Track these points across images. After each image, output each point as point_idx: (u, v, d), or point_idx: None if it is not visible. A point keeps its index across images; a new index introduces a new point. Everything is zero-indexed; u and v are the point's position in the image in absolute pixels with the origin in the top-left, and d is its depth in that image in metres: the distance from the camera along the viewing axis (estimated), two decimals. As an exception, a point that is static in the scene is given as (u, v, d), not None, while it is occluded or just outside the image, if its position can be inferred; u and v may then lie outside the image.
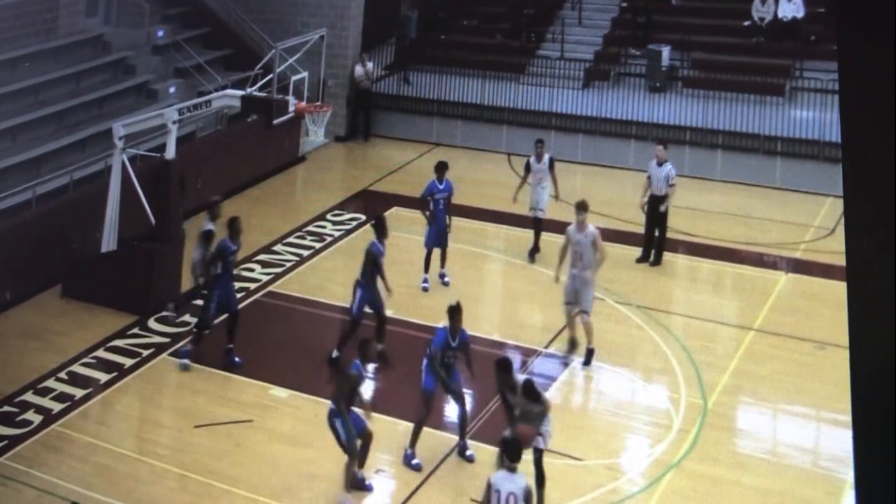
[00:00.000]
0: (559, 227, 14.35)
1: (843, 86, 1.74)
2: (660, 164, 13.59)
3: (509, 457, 7.62)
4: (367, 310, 11.28)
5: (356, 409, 9.03)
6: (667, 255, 13.97)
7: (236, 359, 11.37)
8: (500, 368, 8.95)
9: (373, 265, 11.27)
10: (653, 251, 13.81)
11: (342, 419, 8.83)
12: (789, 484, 9.26)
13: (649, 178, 13.66)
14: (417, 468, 9.53)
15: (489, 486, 7.54)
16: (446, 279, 13.28)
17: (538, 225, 13.89)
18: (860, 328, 1.72)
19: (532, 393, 8.74)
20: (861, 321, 1.72)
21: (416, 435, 9.62)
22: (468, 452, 9.72)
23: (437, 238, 13.05)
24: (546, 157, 13.95)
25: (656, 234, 13.76)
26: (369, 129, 19.37)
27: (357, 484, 9.14)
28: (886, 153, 1.61)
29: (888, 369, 1.65)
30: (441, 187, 13.09)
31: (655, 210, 13.59)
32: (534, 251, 13.94)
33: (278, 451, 9.90)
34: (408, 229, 15.16)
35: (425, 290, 13.02)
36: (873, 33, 1.62)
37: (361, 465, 9.13)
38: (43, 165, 14.62)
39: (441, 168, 13.15)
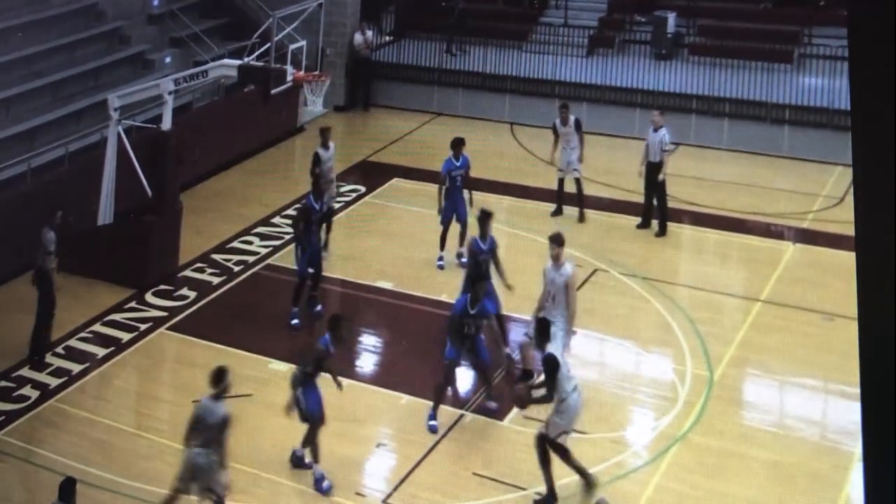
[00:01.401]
0: (547, 195, 14.28)
1: (853, 52, 1.65)
2: (655, 129, 13.53)
3: (212, 381, 8.19)
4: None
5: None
6: (672, 226, 13.79)
7: (318, 307, 11.61)
8: (536, 330, 8.87)
9: (475, 262, 10.63)
10: (657, 221, 13.66)
11: (304, 389, 8.83)
12: (796, 457, 9.15)
13: (647, 145, 13.58)
14: (432, 430, 9.57)
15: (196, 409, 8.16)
16: (464, 259, 12.69)
17: (578, 186, 13.87)
18: (869, 299, 1.68)
19: (545, 369, 8.56)
20: (870, 292, 1.68)
21: (437, 401, 9.62)
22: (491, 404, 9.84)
23: (455, 215, 12.61)
24: (572, 118, 13.86)
25: (655, 201, 13.65)
26: (369, 99, 19.13)
27: (296, 462, 9.10)
28: (896, 121, 1.55)
29: (897, 341, 1.60)
30: (458, 164, 12.73)
31: (652, 177, 13.50)
32: (558, 209, 13.90)
33: (278, 425, 9.79)
34: (408, 201, 15.00)
35: (441, 268, 12.67)
36: (884, -2, 1.54)
37: (305, 445, 9.02)
38: (37, 138, 14.46)
39: (457, 144, 12.83)
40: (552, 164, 14.10)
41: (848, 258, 11.98)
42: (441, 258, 12.81)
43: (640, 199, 14.15)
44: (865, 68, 1.61)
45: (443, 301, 11.10)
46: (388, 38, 19.80)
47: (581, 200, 13.87)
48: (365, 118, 18.87)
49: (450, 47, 19.15)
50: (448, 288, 11.92)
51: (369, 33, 19.16)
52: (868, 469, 1.72)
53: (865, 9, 1.59)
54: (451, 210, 12.65)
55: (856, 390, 1.68)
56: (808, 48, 17.48)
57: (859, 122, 1.66)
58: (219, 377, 8.18)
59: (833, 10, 17.54)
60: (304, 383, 8.83)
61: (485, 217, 11.00)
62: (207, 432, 8.06)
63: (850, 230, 11.58)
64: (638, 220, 13.83)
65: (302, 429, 9.16)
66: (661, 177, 13.39)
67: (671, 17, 18.35)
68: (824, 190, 14.97)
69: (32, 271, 11.26)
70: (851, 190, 11.25)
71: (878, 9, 1.56)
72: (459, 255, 12.75)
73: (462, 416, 9.85)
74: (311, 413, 8.83)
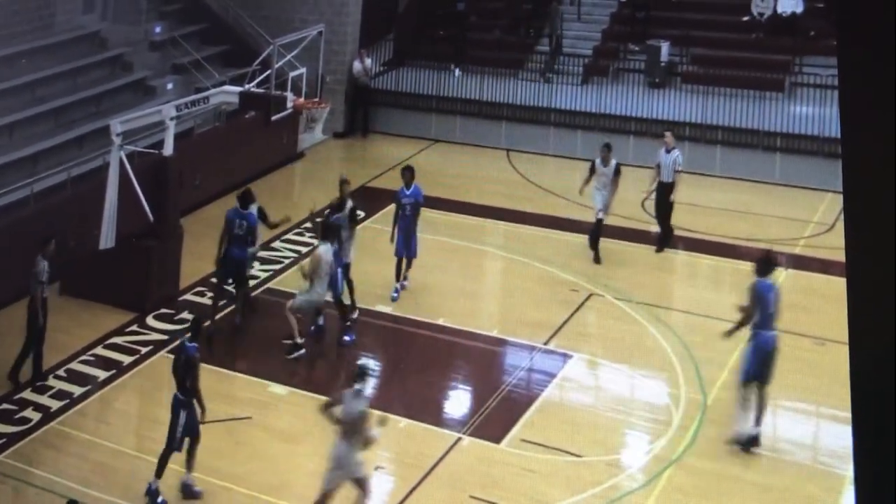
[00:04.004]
0: (543, 220, 14.47)
1: (843, 81, 1.69)
2: (668, 150, 13.83)
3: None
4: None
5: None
6: (667, 251, 13.98)
7: (347, 337, 11.74)
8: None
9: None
10: (657, 240, 13.99)
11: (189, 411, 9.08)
12: (789, 480, 9.27)
13: (658, 165, 13.87)
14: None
15: None
16: (406, 283, 12.58)
17: (598, 227, 13.66)
18: (860, 324, 1.69)
19: None
20: (861, 316, 1.69)
21: None
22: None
23: (404, 246, 12.46)
24: (613, 162, 13.62)
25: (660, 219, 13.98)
26: (368, 126, 19.33)
27: (189, 492, 9.17)
28: (886, 148, 1.59)
29: (888, 365, 1.63)
30: (408, 193, 12.49)
31: (664, 197, 13.76)
32: (595, 257, 13.64)
33: (277, 448, 9.90)
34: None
35: (394, 299, 12.47)
36: (873, 28, 1.59)
37: (190, 469, 9.17)
38: (40, 162, 14.60)
39: (405, 173, 12.57)
40: (581, 195, 13.96)
41: (839, 283, 12.15)
42: (396, 290, 12.53)
43: (636, 224, 14.37)
44: (855, 97, 1.64)
45: (441, 325, 11.23)
46: (381, 67, 19.81)
47: (597, 235, 13.82)
48: (364, 144, 19.07)
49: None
50: (448, 312, 12.05)
51: (368, 61, 19.40)
52: (860, 492, 1.71)
53: (855, 39, 1.62)
54: (402, 244, 12.42)
55: (847, 414, 1.78)
56: (798, 77, 17.75)
57: (849, 150, 1.68)
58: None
59: (823, 40, 17.83)
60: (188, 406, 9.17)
61: (764, 261, 10.07)
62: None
63: (840, 256, 11.75)
64: (635, 248, 14.04)
65: (296, 451, 9.23)
66: (672, 198, 13.67)
67: (664, 47, 18.63)
68: (815, 216, 15.17)
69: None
70: (842, 216, 11.42)
71: (867, 39, 1.59)
72: (396, 291, 12.52)
73: (459, 439, 9.96)
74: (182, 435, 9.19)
